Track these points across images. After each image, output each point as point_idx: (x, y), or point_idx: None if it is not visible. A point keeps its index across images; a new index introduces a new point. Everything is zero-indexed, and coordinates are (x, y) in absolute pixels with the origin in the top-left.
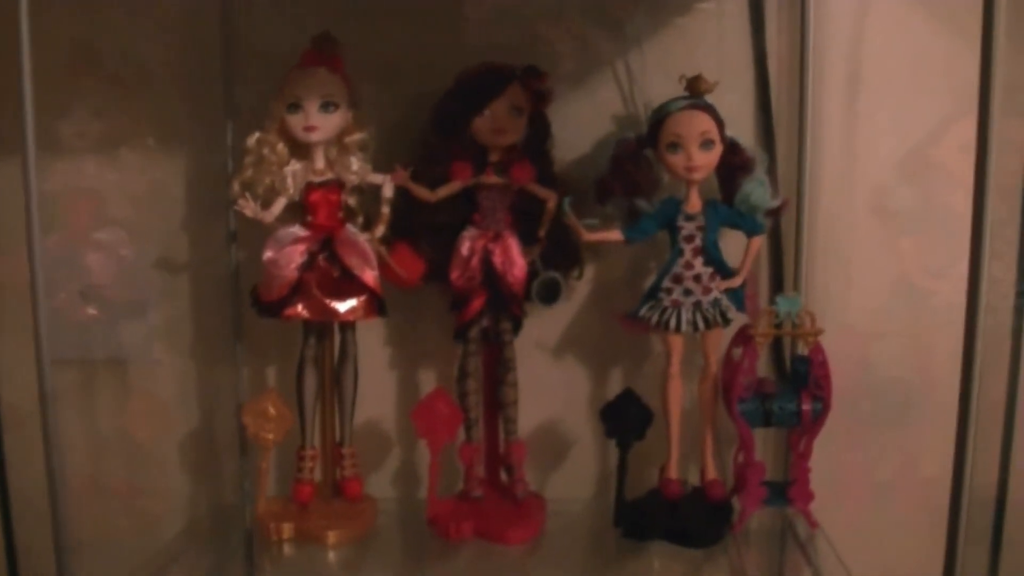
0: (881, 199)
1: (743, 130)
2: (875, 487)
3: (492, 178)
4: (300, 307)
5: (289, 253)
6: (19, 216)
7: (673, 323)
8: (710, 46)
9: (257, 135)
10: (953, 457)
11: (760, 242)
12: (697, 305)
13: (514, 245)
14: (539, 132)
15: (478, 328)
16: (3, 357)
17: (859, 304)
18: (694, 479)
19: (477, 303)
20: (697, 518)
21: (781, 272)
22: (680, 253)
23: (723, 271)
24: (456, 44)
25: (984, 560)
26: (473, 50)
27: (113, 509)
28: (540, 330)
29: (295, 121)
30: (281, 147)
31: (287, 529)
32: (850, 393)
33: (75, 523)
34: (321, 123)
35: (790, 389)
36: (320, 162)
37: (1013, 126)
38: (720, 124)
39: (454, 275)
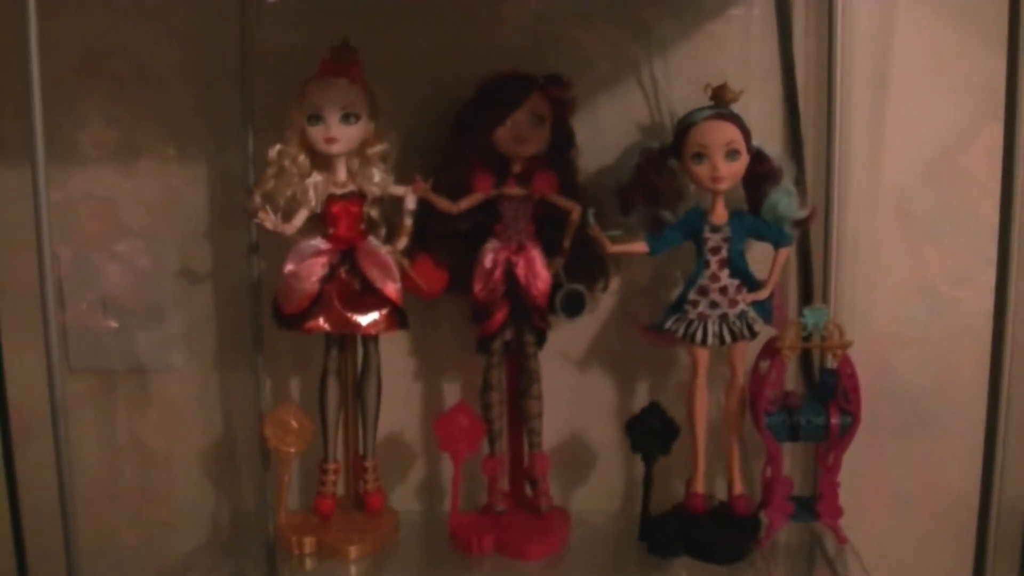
0: (909, 206)
1: (771, 138)
2: (900, 498)
3: (514, 189)
4: (321, 320)
5: (310, 265)
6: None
7: (699, 336)
8: (737, 53)
9: (278, 147)
10: (981, 468)
11: (787, 253)
12: (723, 318)
13: (537, 257)
14: (562, 141)
15: (501, 340)
16: (25, 367)
17: (886, 313)
18: (721, 493)
19: (500, 315)
20: (723, 533)
21: (810, 283)
22: (706, 265)
23: (749, 283)
24: (477, 51)
25: (1015, 573)
26: (494, 57)
27: (133, 520)
28: (564, 342)
29: (316, 132)
30: (303, 159)
31: (308, 543)
32: (875, 403)
33: (94, 534)
34: (342, 134)
35: (818, 402)
36: (342, 174)
37: None
38: (746, 133)
39: (477, 287)
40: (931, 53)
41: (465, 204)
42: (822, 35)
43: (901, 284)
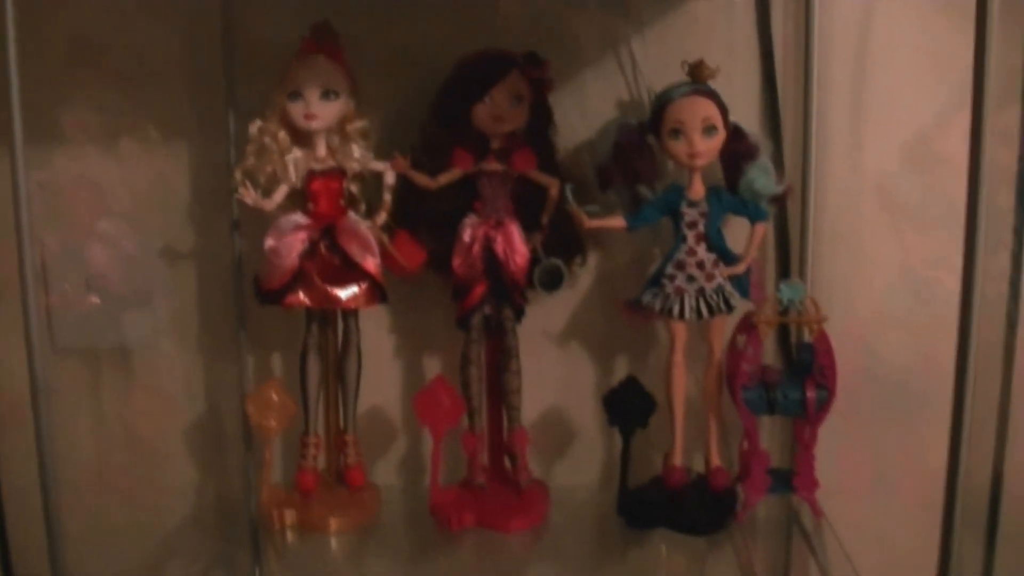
0: (887, 188)
1: (749, 117)
2: (879, 477)
3: (493, 165)
4: (301, 295)
5: (290, 241)
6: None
7: (676, 310)
8: (716, 32)
9: (259, 123)
10: (948, 446)
11: (764, 229)
12: (701, 292)
13: (516, 232)
14: (541, 119)
15: (480, 316)
16: (9, 348)
17: (865, 293)
18: (700, 467)
19: (478, 291)
20: (701, 506)
21: (787, 260)
22: (683, 239)
23: (727, 258)
24: (458, 31)
25: (980, 550)
26: (475, 37)
27: (118, 498)
28: (543, 318)
29: (296, 109)
30: (283, 135)
31: (289, 515)
32: (855, 383)
33: (78, 514)
34: (322, 111)
35: (795, 377)
36: (322, 150)
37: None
38: (723, 110)
39: (456, 262)
40: (909, 35)
41: (444, 180)
42: (800, 14)
43: (881, 266)
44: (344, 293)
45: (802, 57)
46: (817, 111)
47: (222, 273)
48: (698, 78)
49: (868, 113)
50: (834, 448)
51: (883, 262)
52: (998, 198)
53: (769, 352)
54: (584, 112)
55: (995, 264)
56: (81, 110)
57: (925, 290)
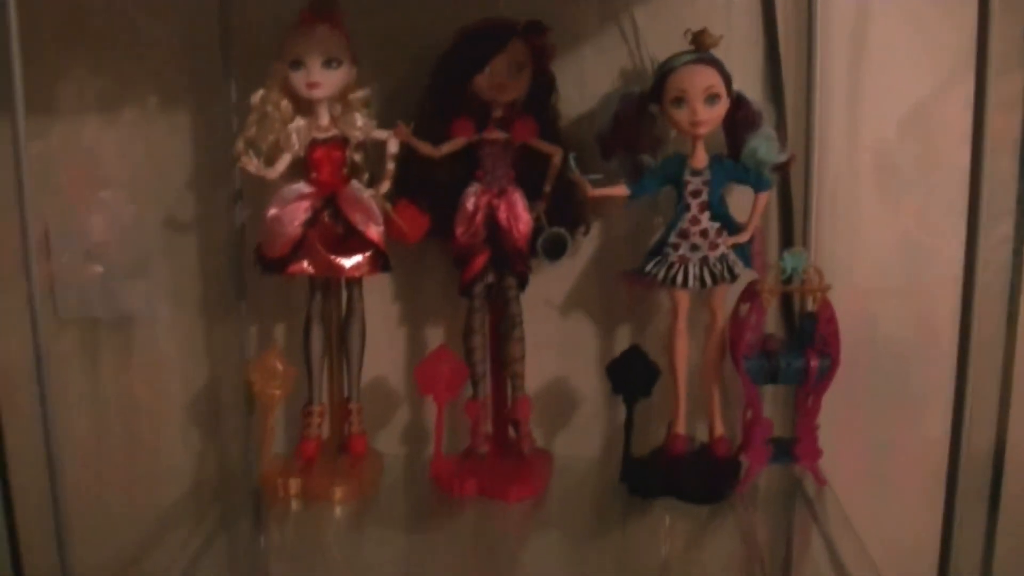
0: (888, 157)
1: (752, 86)
2: (880, 446)
3: (495, 134)
4: (305, 263)
5: (293, 210)
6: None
7: (680, 279)
8: (719, 1)
9: (261, 92)
10: (951, 416)
11: (767, 198)
12: (704, 261)
13: (519, 201)
14: (543, 87)
15: (483, 284)
16: (10, 317)
17: (866, 262)
18: (704, 436)
19: (481, 259)
20: (703, 475)
21: (791, 229)
22: (686, 208)
23: (730, 227)
24: (458, 2)
25: (983, 516)
26: (477, 5)
27: (119, 469)
28: (546, 287)
29: (298, 78)
30: (285, 104)
31: (293, 485)
32: (856, 352)
33: (80, 484)
34: (324, 80)
35: (797, 346)
36: (324, 118)
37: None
38: (726, 78)
39: (458, 231)
40: (911, 2)
41: (447, 148)
42: None
43: (882, 234)
44: (348, 261)
45: (804, 26)
46: (820, 81)
47: (224, 243)
48: (701, 46)
49: (870, 83)
50: (834, 417)
51: (884, 230)
52: (999, 165)
53: (772, 321)
54: (586, 82)
55: (996, 232)
56: (80, 80)
57: (926, 259)
